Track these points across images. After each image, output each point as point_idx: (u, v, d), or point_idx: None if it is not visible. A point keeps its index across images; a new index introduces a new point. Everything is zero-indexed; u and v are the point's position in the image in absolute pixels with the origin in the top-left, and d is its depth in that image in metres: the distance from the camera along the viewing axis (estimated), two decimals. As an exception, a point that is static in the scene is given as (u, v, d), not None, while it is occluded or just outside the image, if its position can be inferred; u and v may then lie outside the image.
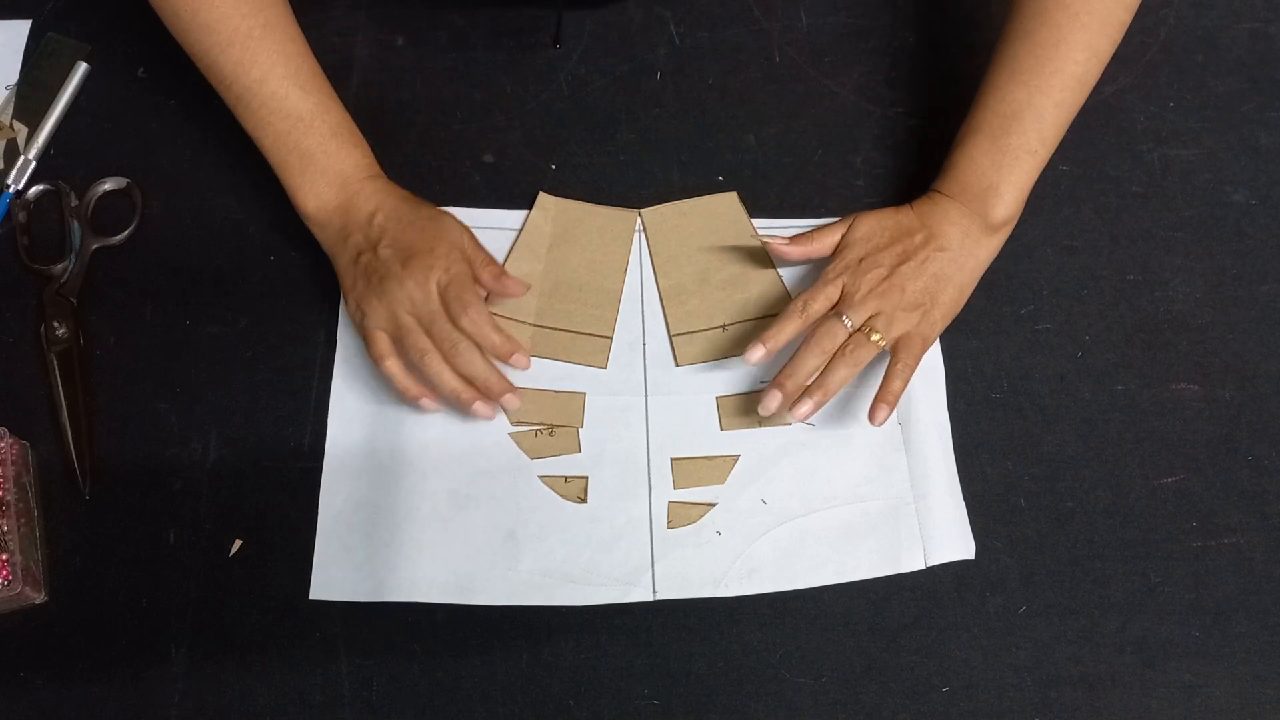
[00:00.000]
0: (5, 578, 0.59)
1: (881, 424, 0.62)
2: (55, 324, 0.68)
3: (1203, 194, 0.74)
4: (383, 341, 0.63)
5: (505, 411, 0.65)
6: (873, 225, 0.66)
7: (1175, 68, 0.78)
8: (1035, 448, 0.66)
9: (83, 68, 0.76)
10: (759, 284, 0.70)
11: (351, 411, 0.66)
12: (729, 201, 0.73)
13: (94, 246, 0.71)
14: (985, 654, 0.61)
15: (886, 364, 0.63)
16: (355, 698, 0.60)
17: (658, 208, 0.73)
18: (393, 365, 0.63)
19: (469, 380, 0.63)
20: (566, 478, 0.64)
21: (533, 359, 0.68)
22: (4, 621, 0.61)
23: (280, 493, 0.64)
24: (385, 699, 0.60)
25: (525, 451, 0.65)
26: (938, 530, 0.63)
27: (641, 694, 0.60)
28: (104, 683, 0.60)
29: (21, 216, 0.72)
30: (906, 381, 0.63)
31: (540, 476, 0.64)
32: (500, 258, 0.71)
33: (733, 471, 0.65)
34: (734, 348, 0.68)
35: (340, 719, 0.59)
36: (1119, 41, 0.65)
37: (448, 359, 0.63)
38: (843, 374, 0.62)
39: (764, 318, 0.69)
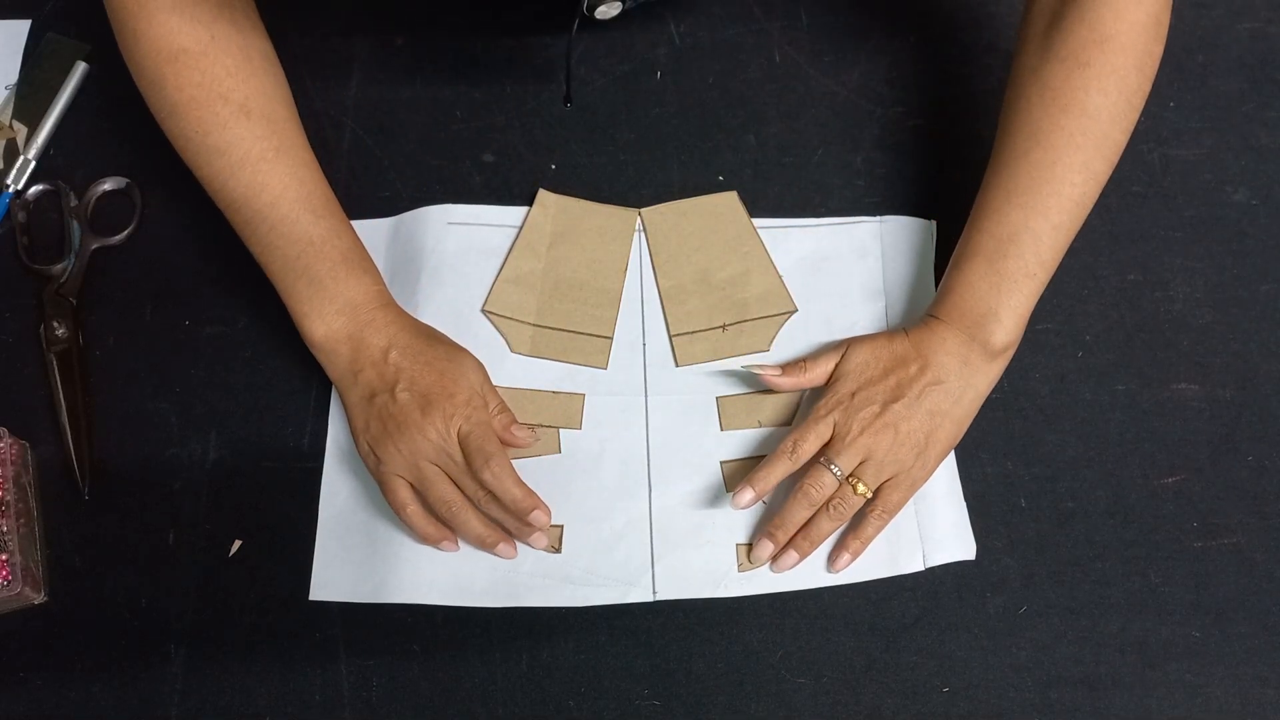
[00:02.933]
0: (5, 578, 0.59)
1: (841, 570, 0.62)
2: (55, 324, 0.68)
3: (1203, 194, 0.74)
4: (404, 489, 0.61)
5: (531, 546, 0.63)
6: (866, 356, 0.63)
7: (1175, 68, 0.78)
8: (1035, 448, 0.66)
9: (82, 68, 0.76)
10: (759, 284, 0.70)
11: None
12: (729, 201, 0.73)
13: (93, 246, 0.71)
14: (985, 654, 0.61)
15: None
16: (355, 698, 0.60)
17: (658, 207, 0.73)
18: (415, 513, 0.61)
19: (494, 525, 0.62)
20: (549, 539, 0.63)
21: (533, 359, 0.68)
22: (4, 621, 0.61)
23: (280, 493, 0.64)
24: (385, 699, 0.60)
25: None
26: (937, 531, 0.63)
27: (641, 694, 0.60)
28: (104, 683, 0.60)
29: (21, 216, 0.72)
30: (879, 530, 0.62)
31: None
32: (500, 256, 0.70)
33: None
34: (734, 348, 0.68)
35: (340, 719, 0.59)
36: (1115, 163, 0.63)
37: (475, 508, 0.61)
38: (827, 527, 0.61)
39: (764, 318, 0.69)
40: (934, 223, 0.72)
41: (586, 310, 0.69)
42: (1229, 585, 0.63)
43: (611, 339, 0.69)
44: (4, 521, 0.60)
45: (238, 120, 0.62)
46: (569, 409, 0.67)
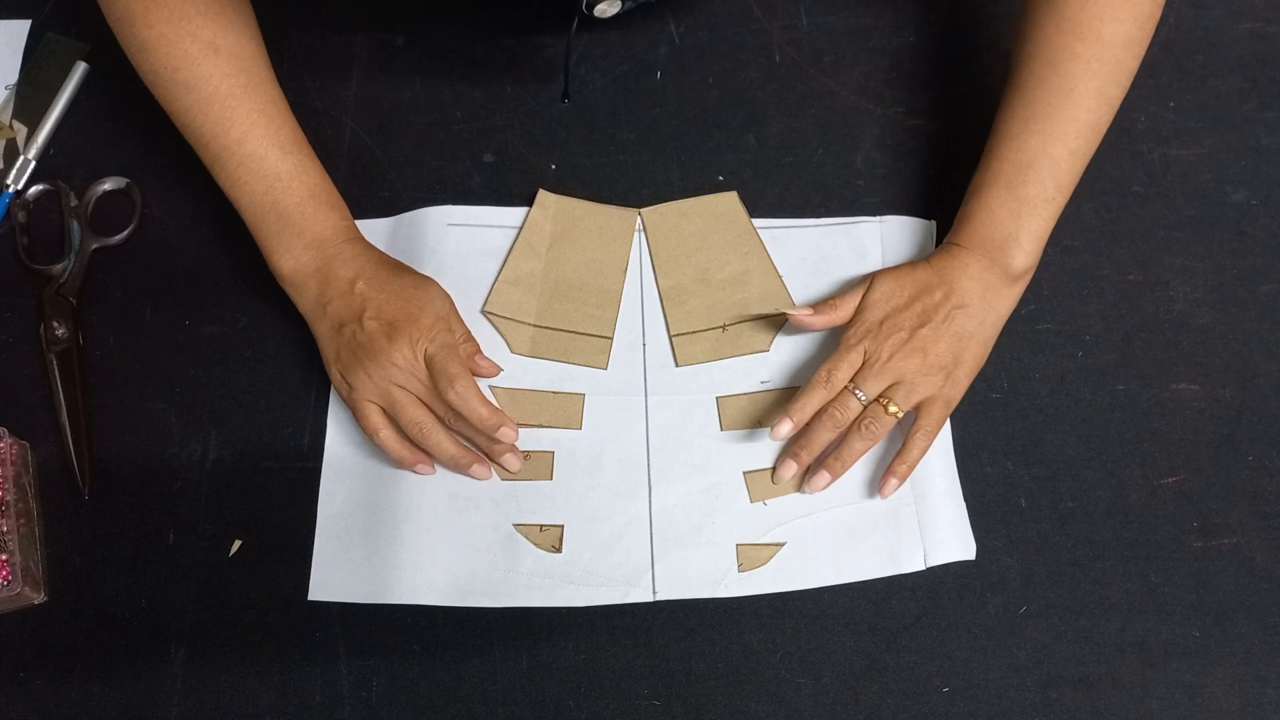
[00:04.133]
0: (5, 578, 0.59)
1: (889, 495, 0.63)
2: (55, 324, 0.68)
3: (1203, 194, 0.74)
4: (375, 414, 0.63)
5: (506, 469, 0.64)
6: (891, 285, 0.64)
7: (1175, 68, 0.78)
8: (1035, 448, 0.66)
9: (82, 68, 0.76)
10: (759, 284, 0.70)
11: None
12: (729, 201, 0.73)
13: (93, 246, 0.71)
14: (985, 654, 0.61)
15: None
16: (355, 698, 0.60)
17: (657, 207, 0.73)
18: (388, 437, 0.63)
19: (467, 445, 0.64)
20: (541, 526, 0.63)
21: (533, 360, 0.68)
22: (4, 621, 0.61)
23: (280, 493, 0.64)
24: (385, 699, 0.60)
25: (496, 472, 0.65)
26: (938, 531, 0.63)
27: (641, 694, 0.60)
28: (104, 683, 0.60)
29: (21, 216, 0.72)
30: (924, 451, 0.63)
31: (515, 525, 0.63)
32: (500, 256, 0.70)
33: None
34: (734, 348, 0.68)
35: (340, 719, 0.59)
36: (1127, 88, 0.65)
37: (445, 427, 0.63)
38: (859, 447, 0.62)
39: (764, 317, 0.69)
40: (934, 223, 0.72)
41: (586, 310, 0.69)
42: (1229, 585, 0.63)
43: (611, 339, 0.69)
44: (4, 521, 0.60)
45: (206, 57, 0.63)
46: (569, 409, 0.67)
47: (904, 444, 0.63)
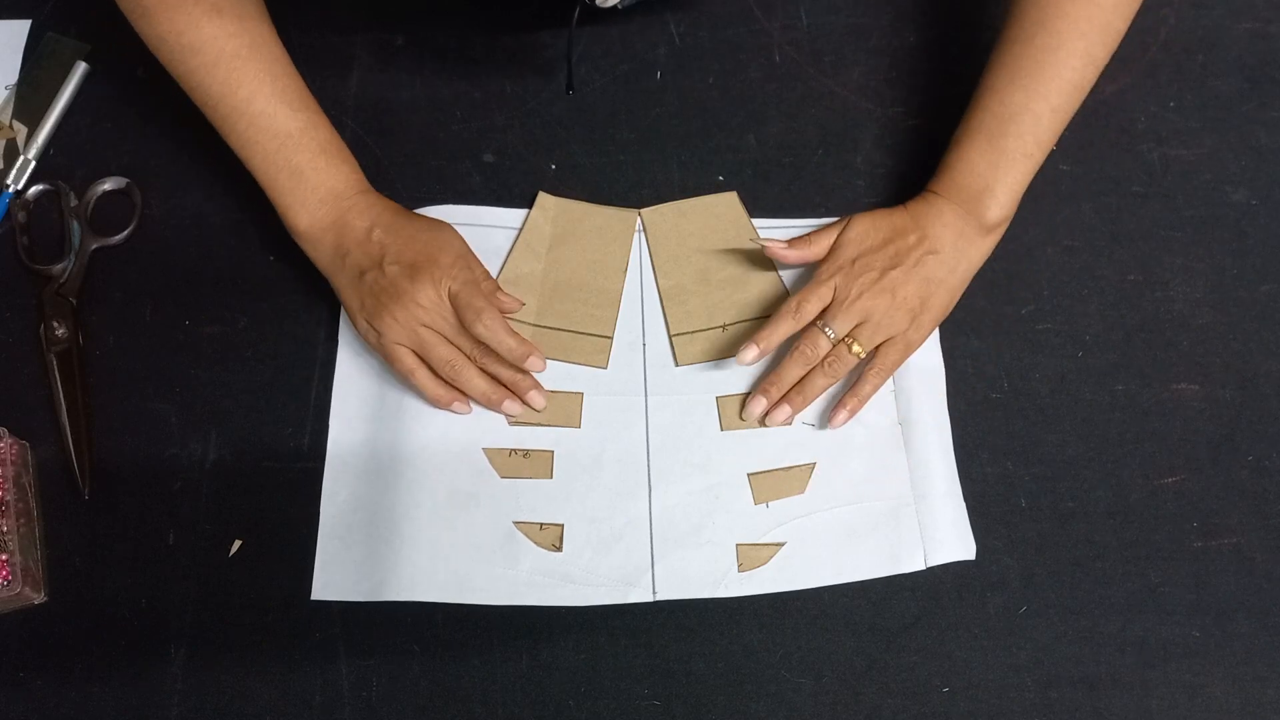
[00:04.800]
0: (5, 578, 0.59)
1: (839, 426, 0.64)
2: (55, 324, 0.68)
3: (1203, 194, 0.74)
4: (408, 356, 0.64)
5: (532, 408, 0.66)
6: (867, 226, 0.66)
7: (1175, 68, 0.78)
8: (1035, 448, 0.66)
9: (82, 68, 0.76)
10: (759, 284, 0.70)
11: (352, 411, 0.66)
12: (729, 201, 0.73)
13: (93, 246, 0.71)
14: (985, 654, 0.61)
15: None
16: (355, 698, 0.60)
17: (657, 207, 0.73)
18: (424, 377, 0.64)
19: (496, 381, 0.65)
20: (541, 525, 0.63)
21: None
22: (4, 621, 0.61)
23: (280, 493, 0.64)
24: (385, 699, 0.60)
25: (496, 470, 0.65)
26: (938, 531, 0.63)
27: (641, 694, 0.60)
28: (104, 683, 0.60)
29: (21, 216, 0.72)
30: (876, 388, 0.65)
31: (515, 523, 0.64)
32: (500, 257, 0.71)
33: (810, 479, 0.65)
34: (734, 348, 0.68)
35: (340, 719, 0.59)
36: (1114, 50, 0.66)
37: (475, 364, 0.64)
38: (821, 383, 0.64)
39: (764, 317, 0.69)
40: (933, 223, 0.72)
41: (587, 310, 0.69)
42: (1229, 585, 0.63)
43: (612, 339, 0.69)
44: (4, 521, 0.60)
45: (209, 19, 0.63)
46: (568, 408, 0.67)
47: (859, 378, 0.65)
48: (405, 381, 0.65)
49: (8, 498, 0.61)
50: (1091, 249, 0.72)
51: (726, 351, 0.68)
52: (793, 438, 0.66)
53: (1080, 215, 0.73)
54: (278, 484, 0.65)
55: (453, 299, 0.63)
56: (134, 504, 0.64)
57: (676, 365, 0.68)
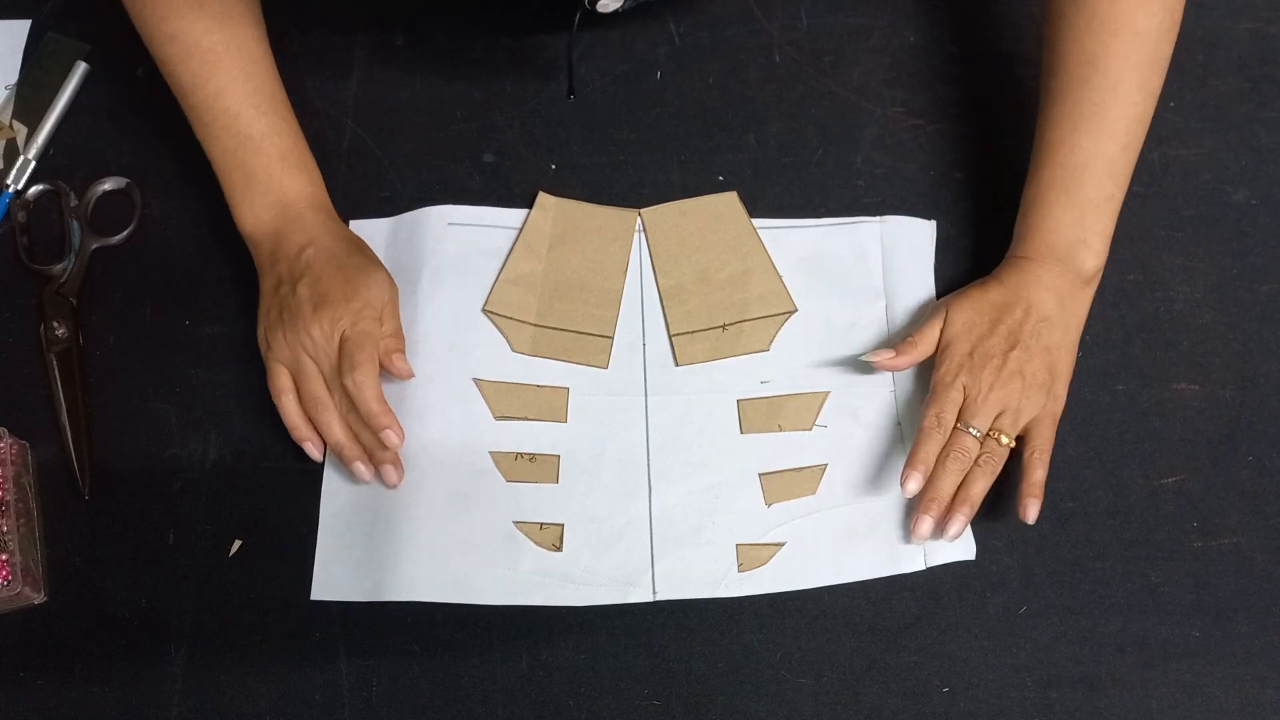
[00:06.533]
0: (5, 578, 0.59)
1: (1034, 520, 0.61)
2: (55, 324, 0.68)
3: (1203, 194, 0.74)
4: (283, 377, 0.63)
5: (384, 482, 0.63)
6: (969, 313, 0.64)
7: (1175, 68, 0.77)
8: (1035, 448, 0.66)
9: (82, 68, 0.76)
10: (759, 283, 0.70)
11: (351, 412, 0.66)
12: (729, 201, 0.73)
13: (93, 246, 0.71)
14: (985, 654, 0.61)
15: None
16: (355, 698, 0.60)
17: (657, 207, 0.73)
18: (288, 403, 0.63)
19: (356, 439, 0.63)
20: (541, 525, 0.63)
21: (534, 359, 0.68)
22: (4, 621, 0.61)
23: (280, 493, 0.64)
24: (385, 699, 0.60)
25: (502, 473, 0.65)
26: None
27: (641, 694, 0.60)
28: (104, 683, 0.60)
29: (21, 216, 0.72)
30: (1047, 466, 0.62)
31: (515, 523, 0.63)
32: (500, 257, 0.70)
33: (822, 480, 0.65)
34: (734, 348, 0.68)
35: (340, 719, 0.59)
36: (1165, 73, 0.65)
37: (338, 413, 0.63)
38: (982, 484, 0.62)
39: (764, 317, 0.69)
40: (934, 223, 0.72)
41: (587, 310, 0.69)
42: (1229, 585, 0.63)
43: (612, 338, 0.69)
44: (4, 521, 0.60)
45: (191, 10, 0.64)
46: (554, 403, 0.67)
47: (1024, 467, 0.62)
48: (274, 400, 0.63)
49: (8, 498, 0.61)
50: (1091, 249, 0.72)
51: (727, 351, 0.68)
52: (791, 439, 0.66)
53: (1080, 215, 0.73)
54: (278, 484, 0.65)
55: (341, 342, 0.62)
56: (134, 504, 0.64)
57: (677, 365, 0.68)
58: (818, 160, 0.75)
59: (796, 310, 0.69)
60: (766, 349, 0.68)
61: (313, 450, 0.63)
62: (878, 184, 0.74)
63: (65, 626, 0.61)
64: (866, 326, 0.69)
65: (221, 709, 0.60)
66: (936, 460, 0.62)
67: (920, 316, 0.68)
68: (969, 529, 0.64)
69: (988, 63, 0.78)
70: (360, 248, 0.66)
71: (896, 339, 0.67)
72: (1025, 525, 0.64)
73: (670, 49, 0.78)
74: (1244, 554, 0.64)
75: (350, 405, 0.62)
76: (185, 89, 0.65)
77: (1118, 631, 0.62)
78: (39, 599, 0.62)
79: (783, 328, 0.69)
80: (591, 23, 0.69)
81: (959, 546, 0.63)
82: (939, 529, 0.62)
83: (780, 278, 0.70)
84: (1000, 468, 0.62)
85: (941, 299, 0.66)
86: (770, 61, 0.78)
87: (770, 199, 0.73)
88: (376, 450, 0.63)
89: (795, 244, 0.71)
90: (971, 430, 0.61)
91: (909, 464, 0.61)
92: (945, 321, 0.64)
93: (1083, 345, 0.69)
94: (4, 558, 0.60)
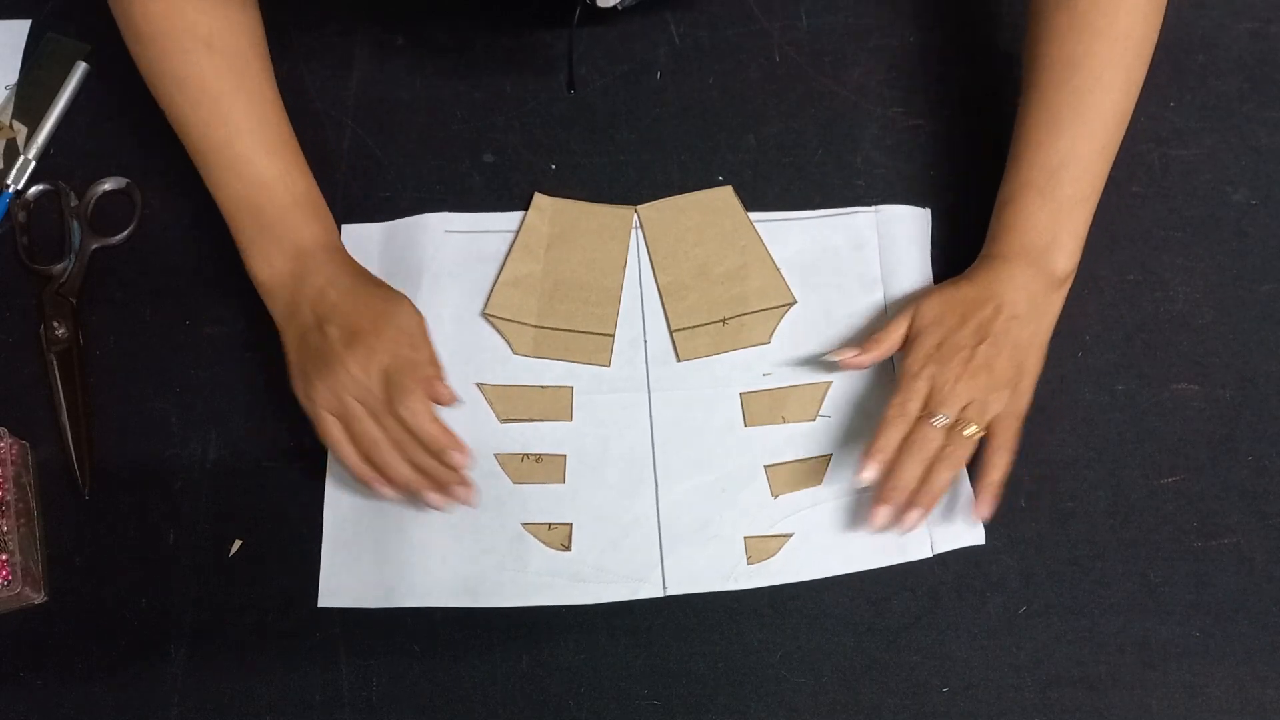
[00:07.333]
0: (5, 578, 0.59)
1: (986, 518, 0.62)
2: (55, 324, 0.68)
3: (1203, 194, 0.74)
4: (334, 427, 0.60)
5: (460, 502, 0.61)
6: (939, 307, 0.63)
7: (1175, 68, 0.78)
8: (1035, 448, 0.66)
9: (82, 68, 0.76)
10: (757, 277, 0.70)
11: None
12: (725, 196, 0.73)
13: (94, 246, 0.71)
14: (985, 654, 0.61)
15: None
16: (355, 698, 0.60)
17: (654, 204, 0.73)
18: (348, 452, 0.60)
19: (420, 470, 0.61)
20: (550, 525, 0.63)
21: (536, 360, 0.68)
22: (4, 621, 0.61)
23: (280, 493, 0.64)
24: (385, 699, 0.60)
25: (509, 475, 0.65)
26: (945, 518, 0.64)
27: (641, 694, 0.60)
28: (104, 683, 0.60)
29: (21, 216, 0.72)
30: (1007, 466, 0.61)
31: (524, 524, 0.63)
32: (499, 261, 0.70)
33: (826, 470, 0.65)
34: (735, 341, 0.68)
35: (340, 719, 0.59)
36: (1144, 74, 0.65)
37: (397, 449, 0.60)
38: (945, 476, 0.61)
39: (764, 310, 0.69)
40: (928, 211, 0.72)
41: (587, 309, 0.69)
42: (1229, 585, 0.63)
43: (613, 336, 0.69)
44: (4, 521, 0.60)
45: (200, 53, 0.62)
46: (558, 402, 0.67)
47: (985, 464, 0.61)
48: (332, 453, 0.61)
49: (8, 498, 0.61)
50: (1091, 249, 0.72)
51: (728, 345, 0.68)
52: (797, 429, 0.66)
53: (1080, 215, 0.73)
54: (278, 484, 0.65)
55: (385, 375, 0.60)
56: (134, 504, 0.64)
57: (678, 360, 0.68)
58: (817, 160, 0.75)
59: (796, 302, 0.69)
60: (767, 341, 0.68)
61: (386, 491, 0.61)
62: (877, 184, 0.74)
63: (65, 626, 0.61)
64: (866, 316, 0.69)
65: (221, 709, 0.60)
66: (899, 450, 0.61)
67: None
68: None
69: (988, 63, 0.78)
70: (378, 281, 0.65)
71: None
72: (1026, 525, 0.64)
73: (670, 49, 0.78)
74: (1244, 554, 0.64)
75: (406, 435, 0.60)
76: (194, 134, 0.63)
77: (1118, 631, 0.62)
78: (39, 599, 0.62)
79: (783, 320, 0.69)
80: (592, 20, 0.69)
81: (967, 532, 0.63)
82: (897, 520, 0.61)
83: (779, 270, 0.70)
84: (965, 460, 0.62)
85: (910, 296, 0.66)
86: (770, 61, 0.78)
87: (770, 198, 0.73)
88: (442, 474, 0.61)
89: (792, 236, 0.71)
90: (936, 420, 0.61)
91: (867, 452, 0.61)
92: (914, 315, 0.64)
93: (1083, 345, 0.69)
94: (4, 558, 0.60)
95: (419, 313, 0.64)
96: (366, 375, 0.60)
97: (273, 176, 0.63)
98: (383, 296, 0.63)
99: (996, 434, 0.62)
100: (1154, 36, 0.64)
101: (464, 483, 0.61)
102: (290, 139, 0.65)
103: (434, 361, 0.63)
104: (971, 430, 0.61)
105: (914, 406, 0.61)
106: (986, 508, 0.61)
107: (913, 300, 0.65)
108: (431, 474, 0.61)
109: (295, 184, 0.64)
